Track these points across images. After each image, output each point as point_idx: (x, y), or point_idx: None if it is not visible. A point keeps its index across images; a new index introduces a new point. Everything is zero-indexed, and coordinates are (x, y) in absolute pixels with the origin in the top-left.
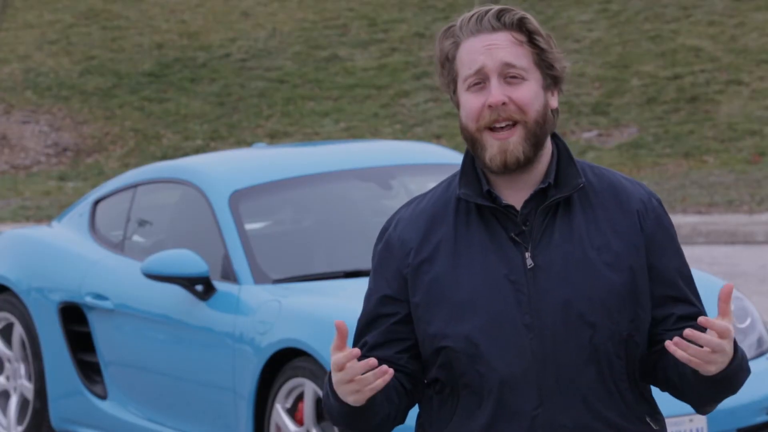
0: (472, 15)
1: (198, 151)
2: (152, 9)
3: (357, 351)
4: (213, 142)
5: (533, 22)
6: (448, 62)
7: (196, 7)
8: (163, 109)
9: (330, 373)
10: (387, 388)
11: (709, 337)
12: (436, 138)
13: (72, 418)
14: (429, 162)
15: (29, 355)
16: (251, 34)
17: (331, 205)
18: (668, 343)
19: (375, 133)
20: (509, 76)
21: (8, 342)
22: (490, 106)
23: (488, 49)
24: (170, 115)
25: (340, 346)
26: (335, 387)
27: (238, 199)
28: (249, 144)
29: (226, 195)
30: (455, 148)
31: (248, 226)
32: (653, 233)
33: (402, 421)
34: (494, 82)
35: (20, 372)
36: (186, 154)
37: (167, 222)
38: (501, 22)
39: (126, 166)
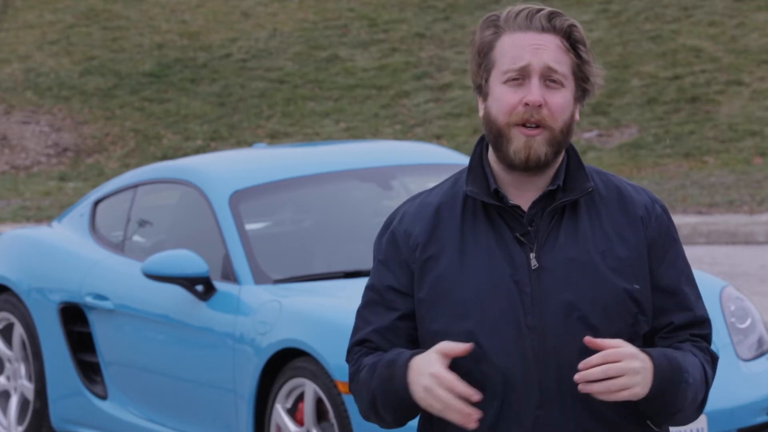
0: (521, 10)
1: (198, 151)
2: (153, 9)
3: (468, 392)
4: (213, 142)
5: (581, 31)
6: (485, 51)
7: (196, 7)
8: (164, 109)
9: (408, 366)
10: None
11: (601, 368)
12: (437, 138)
13: (72, 418)
14: (429, 162)
15: (29, 355)
16: (252, 35)
17: (331, 206)
18: (577, 378)
19: (375, 134)
20: (550, 79)
21: (8, 342)
22: (526, 104)
23: (536, 49)
24: (170, 116)
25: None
26: (422, 392)
27: (238, 199)
28: (249, 144)
29: (226, 195)
30: (456, 148)
31: (248, 227)
32: (655, 240)
33: None
34: (535, 82)
35: (20, 372)
36: (186, 155)
37: (167, 222)
38: (551, 24)
39: (126, 167)
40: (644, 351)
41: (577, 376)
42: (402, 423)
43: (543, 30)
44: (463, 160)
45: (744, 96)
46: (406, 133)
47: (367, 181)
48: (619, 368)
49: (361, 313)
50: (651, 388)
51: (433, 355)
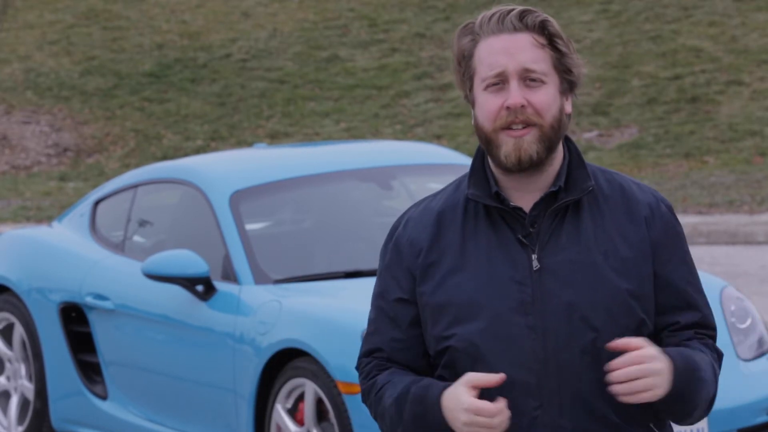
0: (493, 14)
1: (198, 151)
2: (153, 9)
3: (500, 407)
4: (213, 142)
5: (555, 25)
6: (465, 60)
7: (196, 7)
8: (164, 109)
9: (441, 405)
10: None
11: (626, 371)
12: (437, 138)
13: (72, 418)
14: (429, 162)
15: (30, 355)
16: (252, 35)
17: (331, 206)
18: (612, 388)
19: (375, 134)
20: (529, 79)
21: (9, 342)
22: (508, 108)
23: (509, 51)
24: (171, 116)
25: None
26: (464, 427)
27: (238, 199)
28: (250, 144)
29: (226, 195)
30: (456, 148)
31: (249, 227)
32: (659, 240)
33: None
34: (514, 85)
35: (21, 372)
36: (186, 155)
37: (168, 222)
38: (523, 23)
39: (126, 167)
40: (664, 351)
41: (609, 376)
42: None
43: (515, 30)
44: (464, 160)
45: (744, 96)
46: (406, 133)
47: (367, 181)
48: (643, 370)
49: (371, 323)
50: (670, 388)
51: (461, 389)
